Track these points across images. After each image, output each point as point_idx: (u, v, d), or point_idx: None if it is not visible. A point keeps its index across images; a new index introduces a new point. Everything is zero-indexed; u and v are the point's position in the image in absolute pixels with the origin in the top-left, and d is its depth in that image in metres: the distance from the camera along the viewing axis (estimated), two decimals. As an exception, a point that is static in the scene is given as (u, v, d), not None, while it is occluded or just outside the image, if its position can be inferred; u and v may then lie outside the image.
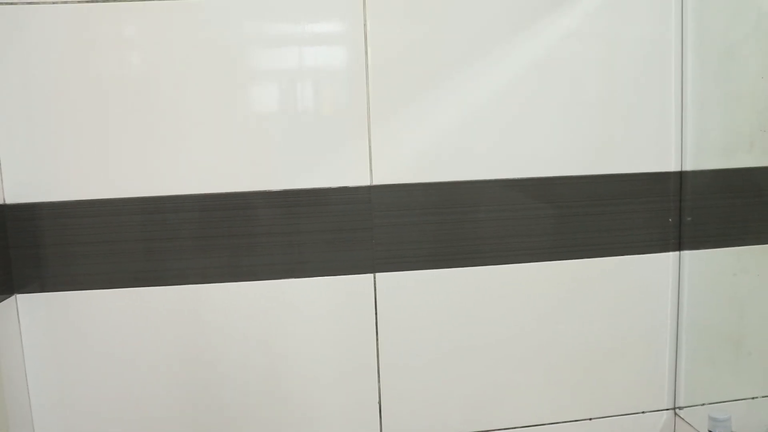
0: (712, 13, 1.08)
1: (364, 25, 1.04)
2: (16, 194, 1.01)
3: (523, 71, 1.09)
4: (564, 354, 1.16)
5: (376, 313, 1.10)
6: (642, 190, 1.14)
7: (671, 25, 1.11)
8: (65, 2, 0.97)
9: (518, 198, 1.11)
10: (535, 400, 1.17)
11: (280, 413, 1.11)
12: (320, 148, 1.05)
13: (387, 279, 1.09)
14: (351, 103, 1.05)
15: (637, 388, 1.19)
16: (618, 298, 1.16)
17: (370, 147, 1.06)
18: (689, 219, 1.14)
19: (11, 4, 0.96)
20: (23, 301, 1.03)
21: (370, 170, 1.07)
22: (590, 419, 1.18)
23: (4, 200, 1.01)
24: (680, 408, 1.19)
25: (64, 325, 1.05)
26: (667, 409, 1.21)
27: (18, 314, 1.04)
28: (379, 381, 1.12)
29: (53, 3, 0.97)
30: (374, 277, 1.09)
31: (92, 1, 0.98)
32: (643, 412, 1.20)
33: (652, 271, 1.16)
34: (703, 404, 1.14)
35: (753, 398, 1.06)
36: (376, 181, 1.07)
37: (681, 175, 1.14)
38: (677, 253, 1.16)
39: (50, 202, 1.01)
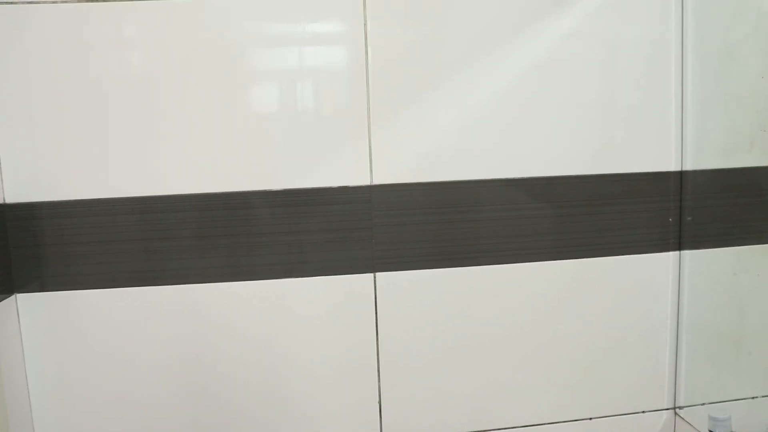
0: (712, 13, 1.08)
1: (365, 25, 1.04)
2: (16, 194, 1.01)
3: (523, 72, 1.09)
4: (564, 353, 1.16)
5: (376, 313, 1.10)
6: (642, 190, 1.14)
7: (671, 26, 1.11)
8: (65, 1, 0.97)
9: (518, 198, 1.11)
10: (535, 399, 1.17)
11: (280, 413, 1.11)
12: (320, 148, 1.05)
13: (387, 278, 1.09)
14: (351, 104, 1.05)
15: (637, 387, 1.19)
16: (618, 298, 1.16)
17: (370, 147, 1.06)
18: (689, 219, 1.14)
19: (11, 3, 0.96)
20: (23, 300, 1.03)
21: (371, 170, 1.07)
22: (590, 419, 1.18)
23: (4, 200, 1.01)
24: (680, 408, 1.19)
25: (64, 324, 1.05)
26: (667, 409, 1.21)
27: (18, 314, 1.04)
28: (379, 381, 1.12)
29: (53, 2, 0.97)
30: (374, 277, 1.09)
31: (92, 1, 0.98)
32: (643, 412, 1.20)
33: (652, 271, 1.16)
34: (703, 404, 1.14)
35: (753, 398, 1.06)
36: (377, 181, 1.07)
37: (681, 174, 1.14)
38: (677, 252, 1.16)
39: (50, 201, 1.02)
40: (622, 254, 1.15)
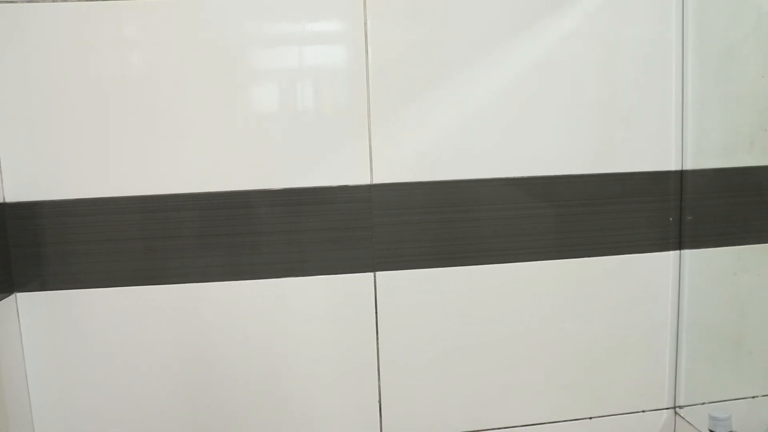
0: (712, 13, 1.09)
1: (365, 25, 1.04)
2: (16, 193, 1.01)
3: (523, 72, 1.09)
4: (564, 353, 1.16)
5: (376, 312, 1.10)
6: (642, 189, 1.14)
7: (671, 26, 1.11)
8: (65, 0, 0.97)
9: (519, 197, 1.11)
10: (536, 399, 1.17)
11: (280, 412, 1.11)
12: (320, 147, 1.05)
13: (387, 278, 1.09)
14: (351, 103, 1.05)
15: (638, 387, 1.19)
16: (618, 297, 1.16)
17: (370, 147, 1.06)
18: (690, 218, 1.14)
19: (11, 2, 0.96)
20: (23, 299, 1.03)
21: (371, 169, 1.07)
22: (590, 418, 1.18)
23: (5, 199, 1.01)
24: (681, 407, 1.19)
25: (64, 323, 1.05)
26: (668, 408, 1.21)
27: (18, 313, 1.03)
28: (379, 380, 1.12)
29: (53, 1, 0.97)
30: (374, 276, 1.09)
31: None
32: (643, 411, 1.20)
33: (653, 270, 1.16)
34: (704, 403, 1.14)
35: (753, 397, 1.06)
36: (377, 180, 1.07)
37: (682, 174, 1.14)
38: (678, 252, 1.16)
39: (50, 200, 1.01)
40: (623, 254, 1.15)
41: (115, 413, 1.08)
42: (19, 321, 1.04)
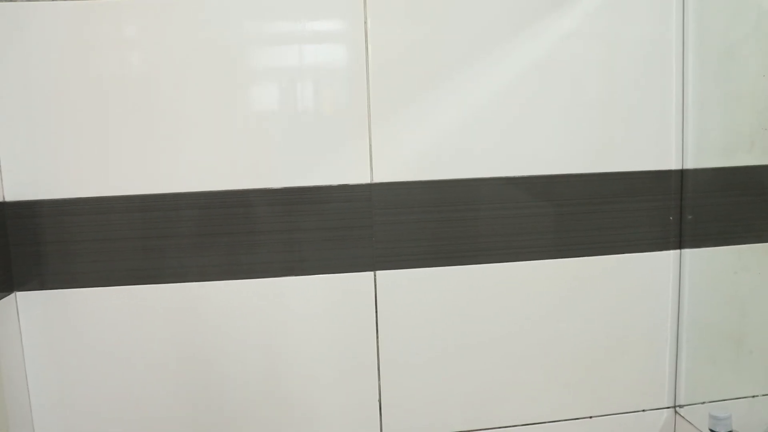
0: (712, 13, 1.09)
1: (365, 24, 1.04)
2: (16, 192, 1.01)
3: (523, 71, 1.09)
4: (564, 352, 1.16)
5: (376, 311, 1.10)
6: (643, 189, 1.14)
7: (672, 25, 1.11)
8: (65, -1, 0.98)
9: (519, 196, 1.11)
10: (536, 398, 1.16)
11: (279, 412, 1.11)
12: (320, 146, 1.05)
13: (387, 277, 1.09)
14: (351, 103, 1.05)
15: (638, 386, 1.19)
16: (619, 297, 1.16)
17: (370, 146, 1.06)
18: (690, 217, 1.14)
19: (11, 0, 0.96)
20: (23, 298, 1.03)
21: (371, 168, 1.07)
22: (591, 417, 1.18)
23: (4, 198, 1.01)
24: (681, 406, 1.19)
25: (64, 322, 1.05)
26: (668, 408, 1.21)
27: (18, 312, 1.03)
28: (379, 379, 1.12)
29: (53, 0, 0.97)
30: (374, 275, 1.09)
31: (92, -2, 0.99)
32: (643, 411, 1.20)
33: (653, 270, 1.16)
34: (704, 402, 1.14)
35: (754, 396, 1.06)
36: (377, 179, 1.07)
37: (682, 173, 1.14)
38: (678, 251, 1.16)
39: (50, 199, 1.01)
40: (623, 253, 1.15)
41: (115, 413, 1.08)
42: (18, 320, 1.04)
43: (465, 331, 1.13)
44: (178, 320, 1.06)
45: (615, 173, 1.12)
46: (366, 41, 1.04)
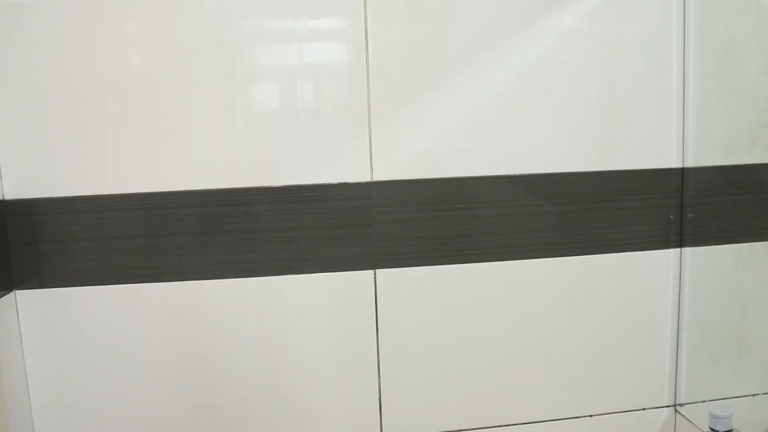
0: (712, 13, 1.09)
1: (365, 23, 1.04)
2: (15, 190, 1.01)
3: (523, 71, 1.09)
4: (564, 351, 1.16)
5: (376, 310, 1.10)
6: (643, 187, 1.13)
7: (672, 25, 1.11)
8: (65, -3, 0.98)
9: (519, 194, 1.11)
10: (536, 397, 1.16)
11: (279, 410, 1.10)
12: (320, 145, 1.05)
13: (387, 275, 1.09)
14: (351, 102, 1.05)
15: (638, 384, 1.19)
16: (619, 295, 1.16)
17: (370, 145, 1.06)
18: (691, 216, 1.14)
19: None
20: (22, 297, 1.03)
21: (371, 167, 1.07)
22: (591, 416, 1.18)
23: (4, 196, 1.01)
24: (681, 405, 1.19)
25: (64, 321, 1.05)
26: (668, 406, 1.20)
27: (17, 311, 1.03)
28: (379, 378, 1.12)
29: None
30: (374, 274, 1.09)
31: (92, -3, 0.98)
32: (643, 409, 1.19)
33: (654, 268, 1.16)
34: (704, 401, 1.14)
35: (754, 395, 1.06)
36: (377, 178, 1.07)
37: (682, 171, 1.14)
38: (678, 249, 1.16)
39: (50, 198, 1.01)
40: (623, 251, 1.14)
41: (115, 412, 1.08)
42: (18, 319, 1.04)
43: (465, 330, 1.13)
44: (178, 319, 1.06)
45: (615, 171, 1.12)
46: (366, 40, 1.04)
